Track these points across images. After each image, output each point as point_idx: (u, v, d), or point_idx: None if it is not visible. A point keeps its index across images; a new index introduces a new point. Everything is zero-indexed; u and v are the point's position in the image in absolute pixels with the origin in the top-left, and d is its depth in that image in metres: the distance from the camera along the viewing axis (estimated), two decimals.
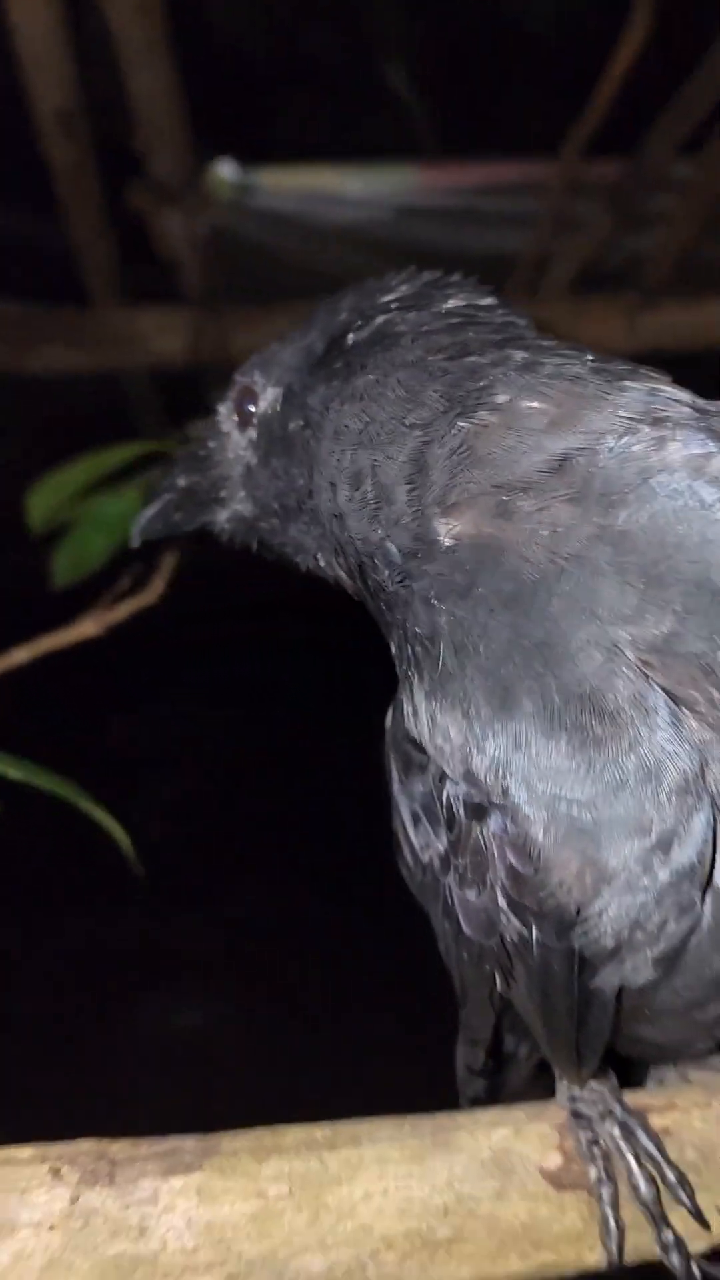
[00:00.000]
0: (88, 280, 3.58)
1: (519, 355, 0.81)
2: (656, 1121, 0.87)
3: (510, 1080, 1.00)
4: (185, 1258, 0.74)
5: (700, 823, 0.71)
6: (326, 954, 3.93)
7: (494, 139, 3.64)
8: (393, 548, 0.81)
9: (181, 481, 1.02)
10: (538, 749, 0.71)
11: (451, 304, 0.89)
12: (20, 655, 1.49)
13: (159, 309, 3.68)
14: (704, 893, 0.74)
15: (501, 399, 0.78)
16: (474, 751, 0.74)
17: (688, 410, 0.77)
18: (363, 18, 3.57)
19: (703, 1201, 0.84)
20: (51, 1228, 0.73)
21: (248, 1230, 0.76)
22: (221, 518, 1.02)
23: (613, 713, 0.70)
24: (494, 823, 0.75)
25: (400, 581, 0.81)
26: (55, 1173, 0.75)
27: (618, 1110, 0.84)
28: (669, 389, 0.79)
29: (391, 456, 0.81)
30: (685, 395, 0.80)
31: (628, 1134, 0.83)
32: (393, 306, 0.90)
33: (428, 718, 0.77)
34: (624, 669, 0.70)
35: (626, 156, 3.20)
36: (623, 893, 0.72)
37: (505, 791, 0.73)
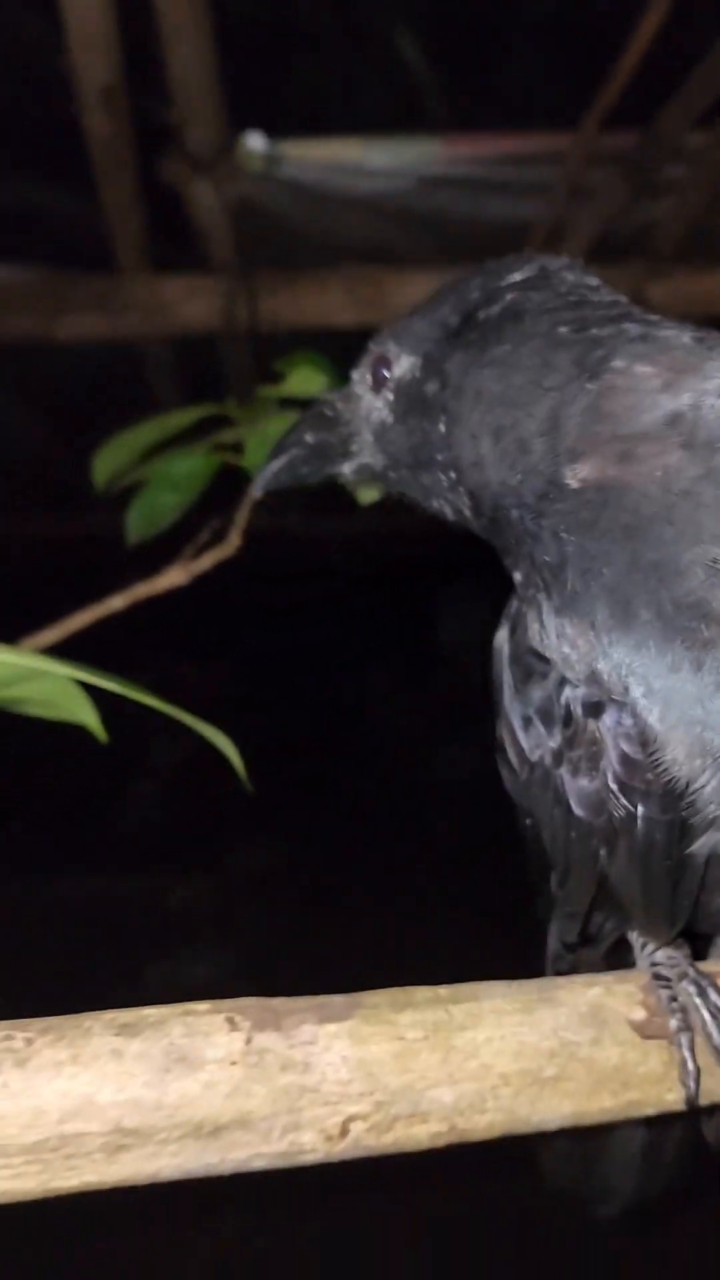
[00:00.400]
0: (116, 249, 3.67)
1: (633, 328, 0.95)
2: None
3: (588, 960, 1.16)
4: (342, 1087, 0.89)
5: None
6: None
7: (505, 113, 3.75)
8: (528, 491, 0.95)
9: (310, 438, 1.15)
10: (655, 651, 0.86)
11: (568, 285, 1.03)
12: (116, 602, 1.62)
13: (186, 277, 3.77)
14: None
15: (620, 364, 0.92)
16: (599, 656, 0.89)
17: None
18: None
19: None
20: (233, 1063, 0.87)
21: (391, 1066, 0.91)
22: (348, 469, 1.16)
23: (717, 617, 0.84)
24: (609, 717, 0.91)
25: (533, 519, 0.95)
26: (230, 1021, 0.90)
27: (692, 972, 1.00)
28: None
29: (531, 414, 0.95)
30: None
31: (702, 992, 0.98)
32: (519, 287, 1.03)
33: (555, 631, 0.92)
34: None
35: (641, 127, 3.31)
36: None
37: (626, 689, 0.88)
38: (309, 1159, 0.91)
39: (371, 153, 3.47)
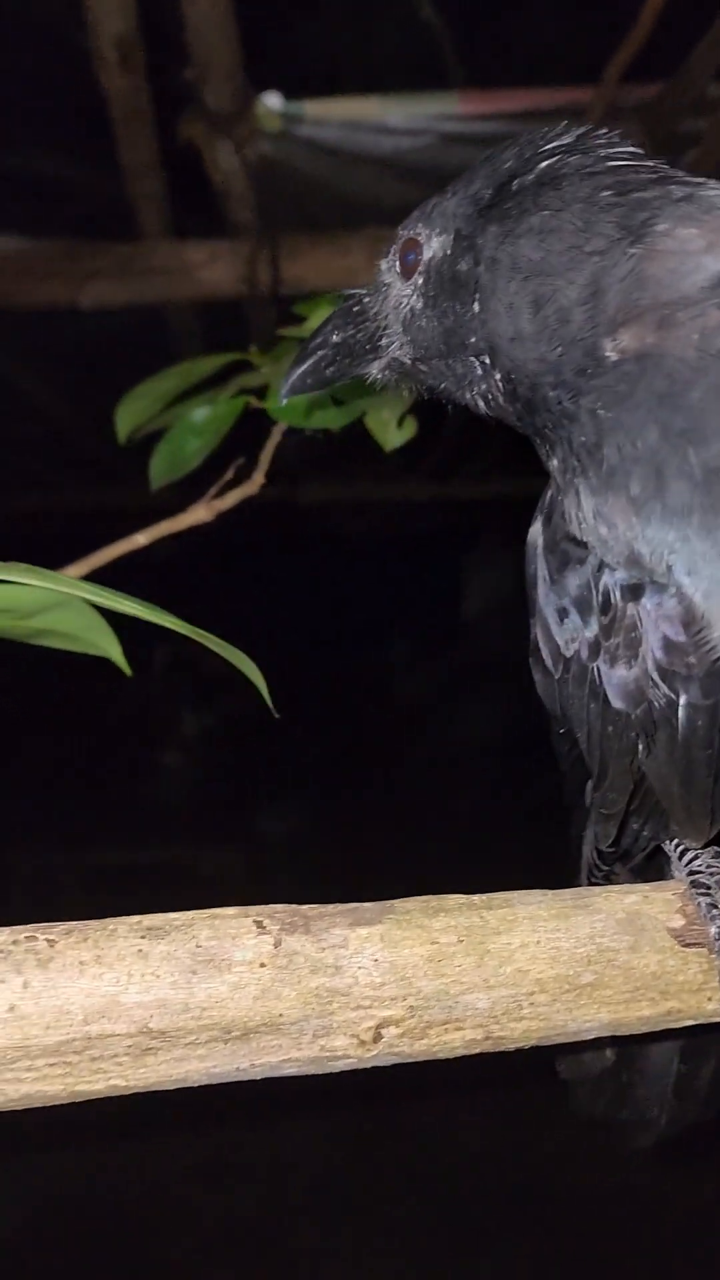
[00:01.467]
0: (137, 215, 3.66)
1: (678, 190, 0.92)
2: None
3: (622, 878, 1.14)
4: (374, 990, 0.87)
5: None
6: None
7: (524, 68, 3.69)
8: (567, 366, 0.92)
9: (336, 337, 1.11)
10: (695, 524, 0.83)
11: (608, 150, 0.99)
12: (140, 539, 1.61)
13: (207, 242, 3.75)
14: None
15: (664, 227, 0.89)
16: (638, 535, 0.86)
17: None
18: None
19: None
20: (262, 965, 0.86)
21: (424, 970, 0.89)
22: (375, 368, 1.12)
23: None
24: (649, 600, 0.88)
25: (570, 398, 0.92)
26: (259, 925, 0.88)
27: None
28: None
29: (572, 280, 0.92)
30: None
31: None
32: (555, 153, 0.99)
33: (592, 513, 0.89)
34: None
35: (662, 80, 3.26)
36: None
37: (669, 568, 0.85)
38: (341, 1065, 0.89)
39: (389, 111, 3.43)
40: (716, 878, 0.97)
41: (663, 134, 3.45)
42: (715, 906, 0.95)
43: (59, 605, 1.22)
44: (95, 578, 1.64)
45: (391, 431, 1.87)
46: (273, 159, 3.42)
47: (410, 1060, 0.91)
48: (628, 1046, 1.36)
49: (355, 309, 1.11)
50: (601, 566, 0.92)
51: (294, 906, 0.91)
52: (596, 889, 0.99)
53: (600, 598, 0.92)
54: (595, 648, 0.95)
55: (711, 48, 3.04)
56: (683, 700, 0.90)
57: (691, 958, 0.95)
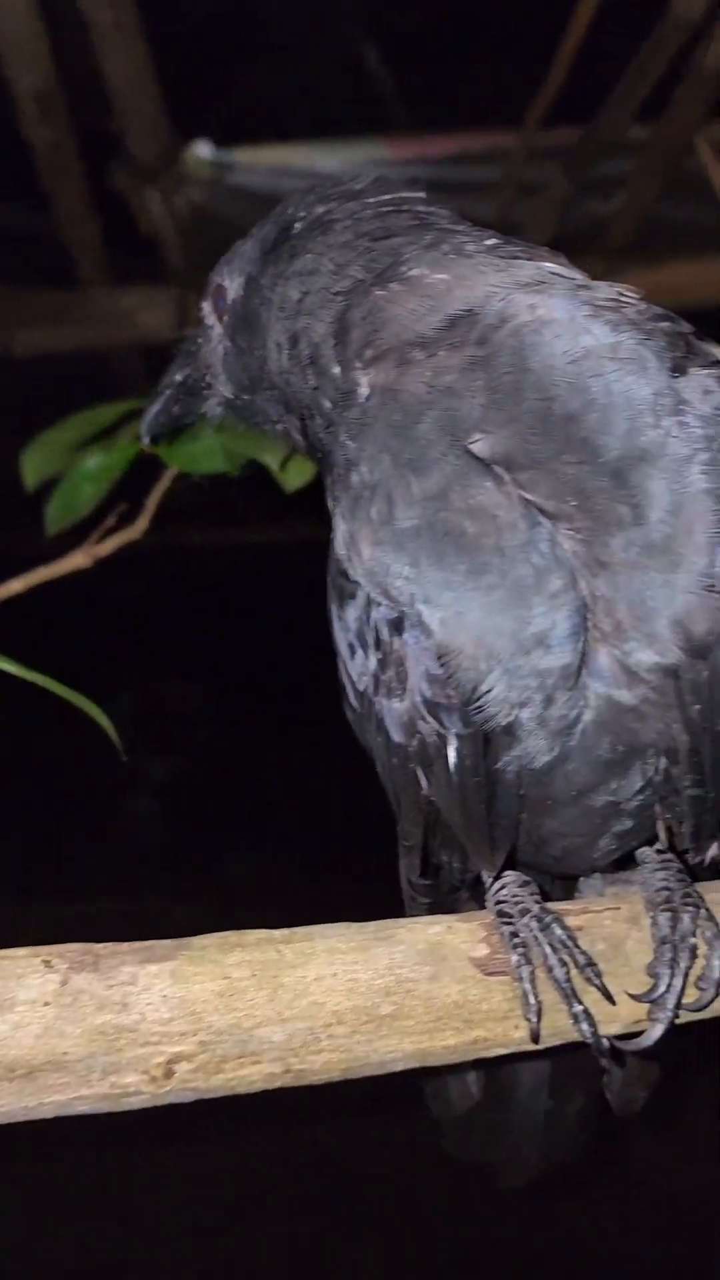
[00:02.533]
0: (75, 262, 3.71)
1: (429, 236, 0.96)
2: (571, 922, 1.00)
3: (447, 902, 1.14)
4: (162, 1026, 0.88)
5: (569, 607, 0.85)
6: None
7: (460, 111, 3.77)
8: (324, 399, 0.97)
9: (178, 376, 1.16)
10: (419, 552, 0.86)
11: (385, 196, 1.03)
12: (15, 585, 1.62)
13: (144, 287, 3.80)
14: (578, 680, 0.88)
15: (414, 271, 0.93)
16: (378, 561, 0.89)
17: (568, 282, 0.91)
18: None
19: (612, 986, 0.97)
20: (45, 1004, 0.86)
21: (215, 1005, 0.89)
22: (212, 404, 1.17)
23: (486, 514, 0.85)
24: (409, 635, 0.90)
25: (328, 429, 0.96)
26: (47, 963, 0.88)
27: (535, 908, 0.98)
28: (557, 266, 0.93)
29: (322, 319, 0.97)
30: (574, 273, 0.94)
31: (544, 926, 0.96)
32: (335, 198, 1.03)
33: (345, 542, 0.91)
34: (481, 477, 0.86)
35: (584, 124, 3.33)
36: (506, 673, 0.86)
37: (411, 598, 0.87)
38: (135, 1102, 0.89)
39: (319, 157, 3.50)
40: (520, 906, 0.98)
41: (584, 177, 3.52)
42: (517, 935, 0.96)
43: None
44: None
45: (291, 473, 1.89)
46: (204, 205, 3.47)
47: (209, 1095, 0.91)
48: (494, 1082, 1.36)
49: (191, 349, 1.16)
50: (370, 602, 0.94)
51: (88, 945, 0.91)
52: (404, 920, 0.99)
53: (374, 632, 0.94)
54: (376, 681, 0.96)
55: (628, 91, 3.11)
56: (449, 731, 0.91)
57: (495, 986, 0.95)
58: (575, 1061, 1.30)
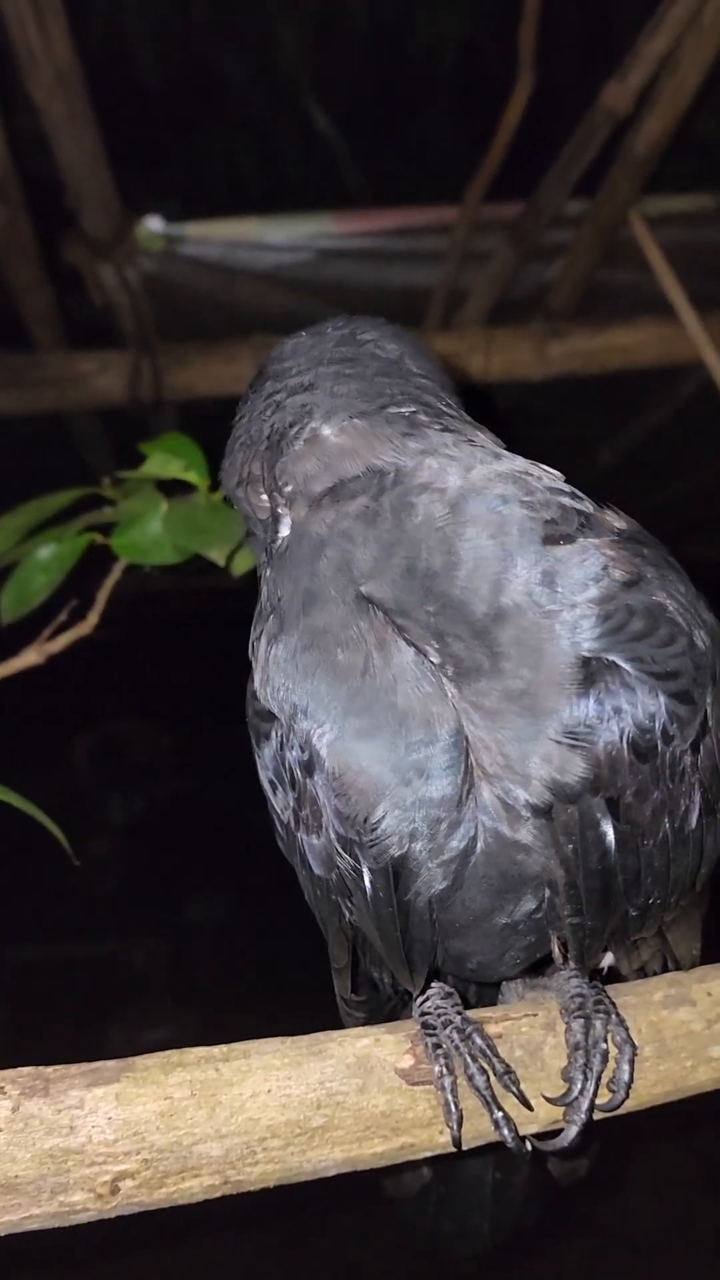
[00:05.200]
0: (30, 327, 3.77)
1: (335, 405, 1.07)
2: (492, 1029, 1.08)
3: (383, 1012, 1.22)
4: (107, 1147, 0.94)
5: (445, 741, 0.94)
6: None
7: (401, 187, 3.90)
8: (265, 539, 1.08)
9: None
10: (309, 683, 0.95)
11: (293, 361, 1.14)
12: None
13: (99, 352, 3.87)
14: (463, 811, 0.96)
15: (315, 431, 1.05)
16: (276, 689, 0.99)
17: (483, 455, 1.00)
18: (278, 63, 3.81)
19: (530, 1090, 1.05)
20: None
21: (157, 1124, 0.96)
22: None
23: (361, 647, 0.96)
24: (319, 775, 0.98)
25: (264, 565, 1.07)
26: (1, 1090, 0.95)
27: (457, 1019, 1.05)
28: (485, 441, 1.02)
29: (254, 468, 1.08)
30: (498, 450, 1.03)
31: (465, 1037, 1.04)
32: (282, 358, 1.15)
33: (262, 669, 1.01)
34: (366, 617, 0.96)
35: (525, 197, 3.46)
36: (394, 804, 0.94)
37: (307, 730, 0.97)
38: (83, 1218, 0.95)
39: (267, 230, 3.59)
40: (443, 1018, 1.05)
41: (528, 247, 3.64)
42: (440, 1046, 1.03)
43: None
44: None
45: (237, 563, 1.97)
46: (157, 276, 3.55)
47: (153, 1208, 0.97)
48: (443, 1162, 1.43)
49: None
50: (283, 743, 1.02)
51: (38, 1069, 0.97)
52: (336, 1033, 1.06)
53: (289, 773, 1.02)
54: (296, 818, 1.04)
55: (563, 170, 3.23)
56: (361, 866, 0.99)
57: (420, 1095, 1.03)
58: None
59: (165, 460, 1.92)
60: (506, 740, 0.94)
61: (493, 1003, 1.26)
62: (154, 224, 3.45)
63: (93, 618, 1.80)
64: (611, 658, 0.94)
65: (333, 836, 1.00)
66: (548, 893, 1.03)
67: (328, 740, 0.96)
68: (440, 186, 3.70)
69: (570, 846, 0.97)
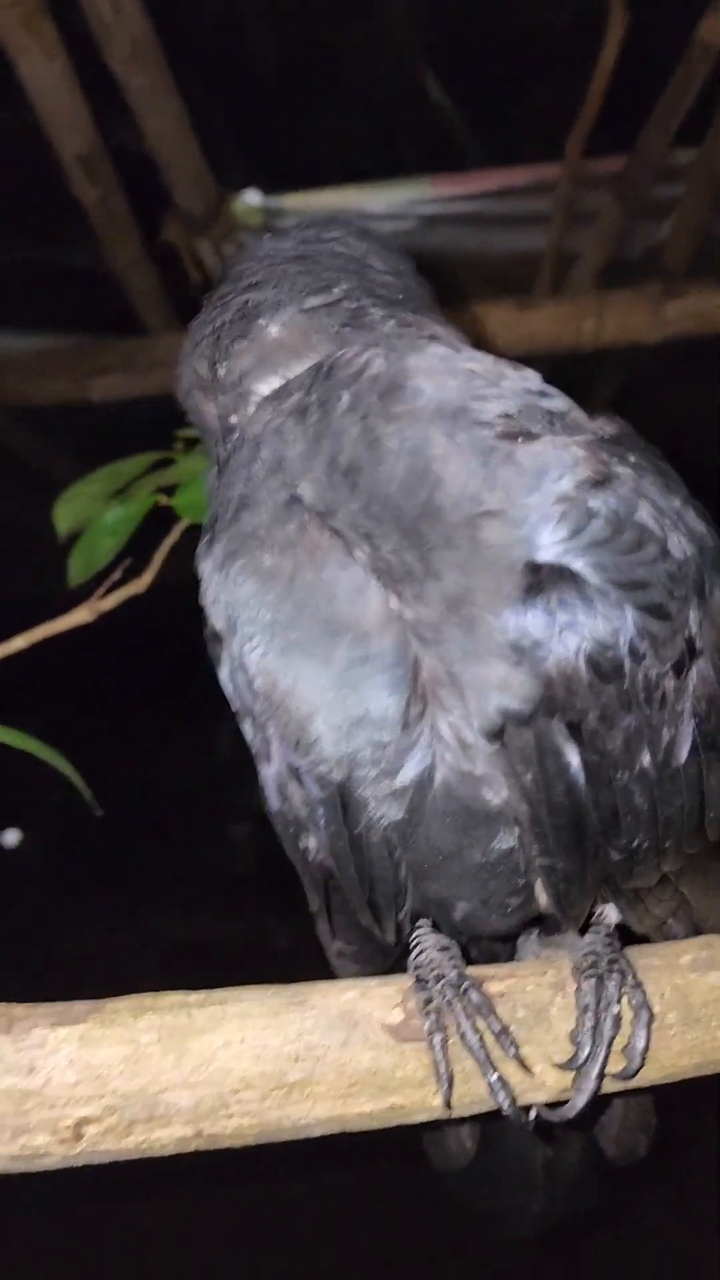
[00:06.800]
0: (139, 310, 3.82)
1: (286, 299, 1.01)
2: (496, 987, 0.99)
3: (386, 963, 1.15)
4: (67, 1090, 0.90)
5: (383, 659, 0.85)
6: None
7: (517, 141, 3.78)
8: (217, 436, 1.03)
9: None
10: (246, 592, 0.90)
11: (261, 261, 1.07)
12: (18, 642, 1.68)
13: None
14: (414, 734, 0.88)
15: (260, 327, 0.98)
16: (213, 598, 0.94)
17: (422, 343, 0.93)
18: (385, 27, 3.75)
19: (533, 1053, 0.97)
20: None
21: (121, 1069, 0.91)
22: None
23: (291, 549, 0.89)
24: (259, 698, 0.91)
25: (215, 475, 1.01)
26: None
27: (452, 974, 0.97)
28: (430, 331, 0.95)
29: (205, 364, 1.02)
30: (459, 345, 0.95)
31: (459, 994, 0.96)
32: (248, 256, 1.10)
33: (209, 581, 0.96)
34: (297, 519, 0.90)
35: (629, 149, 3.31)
36: (329, 726, 0.87)
37: (236, 639, 0.93)
38: (49, 1162, 0.92)
39: (367, 199, 3.54)
40: (435, 972, 0.98)
41: (635, 203, 3.49)
42: (430, 1001, 0.95)
43: None
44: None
45: None
46: None
47: (124, 1158, 0.93)
48: (488, 1134, 1.35)
49: None
50: (232, 667, 0.96)
51: (7, 1006, 0.94)
52: (322, 984, 0.99)
53: (238, 696, 0.96)
54: (254, 747, 0.98)
55: (664, 117, 3.08)
56: (312, 794, 0.92)
57: (410, 1053, 0.95)
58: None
59: None
60: (451, 656, 0.86)
61: (512, 957, 1.18)
62: (251, 197, 3.45)
63: (147, 576, 1.78)
64: (566, 564, 0.84)
65: (282, 765, 0.93)
66: (519, 832, 0.94)
67: (257, 655, 0.90)
68: (546, 145, 3.58)
69: (529, 776, 0.88)
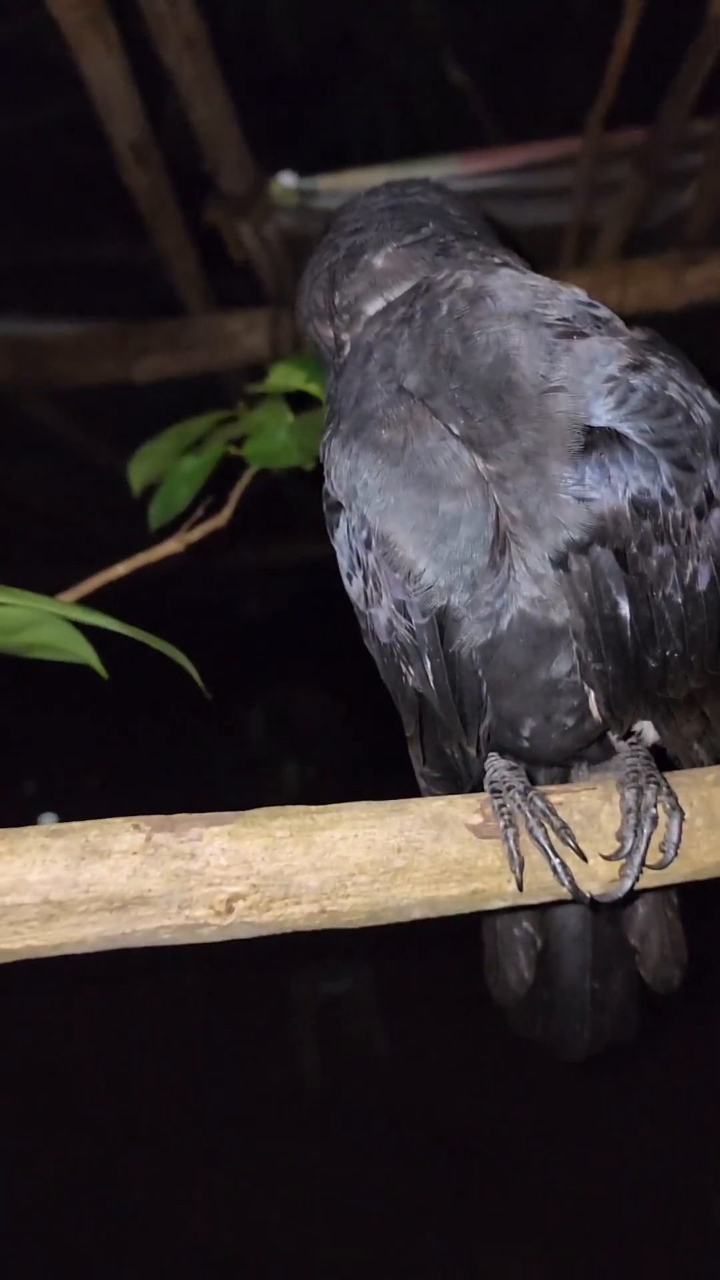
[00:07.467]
0: (180, 292, 4.05)
1: (386, 236, 1.25)
2: (554, 798, 1.23)
3: (463, 790, 1.38)
4: (221, 871, 1.14)
5: (472, 503, 1.09)
6: None
7: (539, 118, 3.98)
8: (331, 347, 1.27)
9: None
10: (358, 459, 1.14)
11: (373, 202, 1.33)
12: (119, 569, 1.92)
13: (245, 311, 4.11)
14: (498, 570, 1.11)
15: (366, 261, 1.23)
16: (342, 465, 1.17)
17: (510, 272, 1.16)
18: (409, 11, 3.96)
19: (587, 849, 1.20)
20: (134, 853, 1.13)
21: (262, 856, 1.14)
22: None
23: (402, 425, 1.12)
24: (375, 547, 1.15)
25: (332, 382, 1.26)
26: (135, 826, 1.15)
27: (519, 786, 1.21)
28: (513, 263, 1.18)
29: (322, 295, 1.27)
30: (526, 271, 1.18)
31: (527, 800, 1.19)
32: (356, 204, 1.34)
33: (330, 462, 1.20)
34: (406, 403, 1.13)
35: (649, 122, 3.50)
36: (432, 560, 1.10)
37: (352, 497, 1.17)
38: (206, 933, 1.15)
39: (397, 177, 3.73)
40: (507, 784, 1.21)
41: (657, 174, 3.68)
42: (504, 806, 1.19)
43: (41, 622, 1.51)
44: (94, 598, 1.97)
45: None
46: (292, 230, 3.76)
47: (264, 932, 1.16)
48: (543, 967, 1.58)
49: None
50: (350, 529, 1.19)
51: (169, 816, 1.18)
52: (420, 799, 1.22)
53: (354, 553, 1.19)
54: (365, 597, 1.21)
55: (682, 89, 3.27)
56: (414, 623, 1.16)
57: (489, 847, 1.19)
58: (609, 948, 1.53)
59: (289, 373, 2.11)
60: (526, 499, 1.09)
61: (566, 780, 1.42)
62: (287, 179, 3.65)
63: (226, 512, 2.01)
64: (614, 427, 1.08)
65: (390, 603, 1.17)
66: (576, 646, 1.17)
67: (376, 510, 1.14)
68: (568, 120, 3.78)
69: (585, 594, 1.12)
